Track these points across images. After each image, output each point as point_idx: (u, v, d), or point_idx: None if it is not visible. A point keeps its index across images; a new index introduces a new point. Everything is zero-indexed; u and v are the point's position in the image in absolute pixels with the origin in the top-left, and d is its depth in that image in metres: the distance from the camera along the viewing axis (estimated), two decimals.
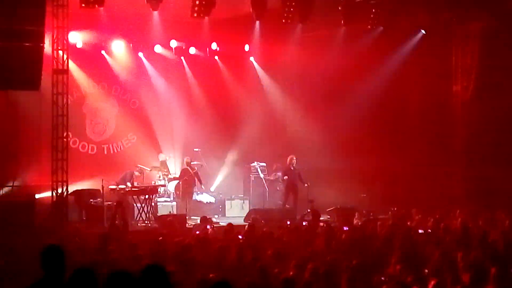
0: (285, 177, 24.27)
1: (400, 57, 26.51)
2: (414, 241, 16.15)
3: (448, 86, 27.14)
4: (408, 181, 25.99)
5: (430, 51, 26.37)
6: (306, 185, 23.93)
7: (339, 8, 24.55)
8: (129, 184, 22.99)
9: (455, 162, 26.27)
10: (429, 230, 18.04)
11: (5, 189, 22.23)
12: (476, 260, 13.86)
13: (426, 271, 12.86)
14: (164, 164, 25.34)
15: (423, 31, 26.72)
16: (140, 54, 25.97)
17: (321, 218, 22.08)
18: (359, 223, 19.72)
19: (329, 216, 23.16)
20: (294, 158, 24.30)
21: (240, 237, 17.01)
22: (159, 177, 24.98)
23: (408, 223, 19.63)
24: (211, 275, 11.61)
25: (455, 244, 15.61)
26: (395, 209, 22.18)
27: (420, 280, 11.92)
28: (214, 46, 26.27)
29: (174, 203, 24.18)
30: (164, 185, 24.74)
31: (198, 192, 25.25)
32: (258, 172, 25.81)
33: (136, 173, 23.67)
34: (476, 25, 26.28)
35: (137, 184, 23.59)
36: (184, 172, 24.52)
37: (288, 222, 20.20)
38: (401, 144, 26.69)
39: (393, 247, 15.37)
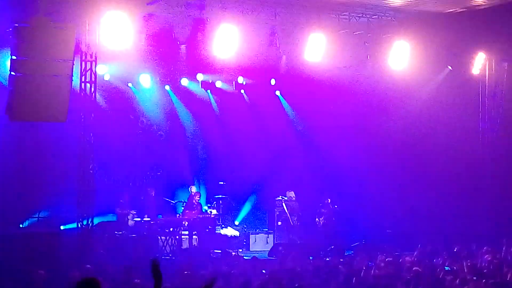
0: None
1: (426, 94, 26.41)
2: (441, 280, 15.98)
3: (475, 123, 27.09)
4: (435, 217, 25.79)
5: (456, 87, 26.31)
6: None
7: (365, 43, 24.71)
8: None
9: (482, 197, 26.07)
10: (455, 268, 17.86)
11: (31, 220, 22.31)
12: None
13: None
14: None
15: (449, 67, 26.64)
16: (167, 87, 26.15)
17: (345, 254, 22.06)
18: (384, 260, 19.51)
19: (353, 252, 23.02)
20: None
21: (264, 271, 16.95)
22: (182, 210, 24.95)
23: (435, 260, 19.46)
24: None
25: (483, 284, 15.41)
26: (420, 246, 21.92)
27: None
28: (240, 79, 26.36)
29: (198, 236, 24.11)
30: (187, 218, 24.68)
31: (223, 226, 25.19)
32: (283, 206, 25.74)
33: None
34: (503, 64, 26.39)
35: (161, 217, 23.71)
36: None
37: (311, 258, 20.08)
38: (427, 180, 26.51)
39: (419, 284, 15.24)
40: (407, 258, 19.32)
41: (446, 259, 19.72)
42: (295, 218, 25.48)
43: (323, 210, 25.50)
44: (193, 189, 25.14)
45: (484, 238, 22.90)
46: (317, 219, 25.54)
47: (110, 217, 23.75)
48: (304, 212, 26.07)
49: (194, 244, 23.57)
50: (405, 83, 25.87)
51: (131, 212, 23.85)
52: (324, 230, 25.30)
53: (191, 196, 24.68)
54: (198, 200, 24.48)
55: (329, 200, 25.55)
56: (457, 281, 15.72)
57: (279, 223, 25.61)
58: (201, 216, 24.13)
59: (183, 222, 24.11)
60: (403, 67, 25.21)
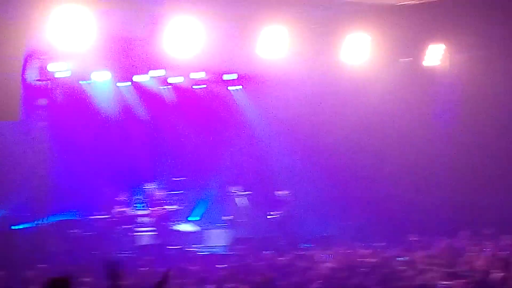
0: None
1: (384, 86, 26.49)
2: (397, 271, 16.12)
3: (433, 115, 27.31)
4: (391, 209, 25.99)
5: (414, 79, 26.48)
6: None
7: (322, 36, 24.73)
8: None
9: (437, 189, 26.30)
10: (411, 258, 18.01)
11: None
12: None
13: None
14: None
15: (407, 59, 26.77)
16: (121, 84, 25.95)
17: (300, 247, 22.07)
18: (341, 252, 19.64)
19: (311, 244, 23.09)
20: None
21: (221, 266, 16.96)
22: (139, 206, 24.85)
23: (391, 252, 19.65)
24: None
25: (440, 273, 15.59)
26: (376, 238, 22.08)
27: None
28: (193, 75, 26.24)
29: (155, 232, 24.04)
30: (144, 215, 24.59)
31: (180, 221, 25.12)
32: (236, 201, 25.80)
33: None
34: (461, 56, 26.66)
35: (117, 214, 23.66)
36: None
37: (267, 252, 20.05)
38: (383, 172, 26.69)
39: (374, 276, 15.36)
40: (363, 250, 19.46)
41: (402, 250, 19.91)
42: (244, 213, 25.61)
43: (277, 203, 25.50)
44: (151, 185, 25.12)
45: (440, 229, 23.14)
46: (271, 212, 25.52)
47: (71, 216, 23.63)
48: (256, 206, 26.15)
49: (152, 241, 23.48)
50: (362, 76, 25.86)
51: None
52: (278, 223, 25.31)
53: (151, 193, 24.64)
54: (161, 196, 24.38)
55: (283, 192, 25.54)
56: (413, 271, 15.88)
57: (231, 217, 25.62)
58: (164, 211, 24.10)
59: (149, 219, 24.09)
60: (360, 60, 25.34)
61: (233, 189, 25.76)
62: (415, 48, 26.30)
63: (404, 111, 26.37)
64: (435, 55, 26.65)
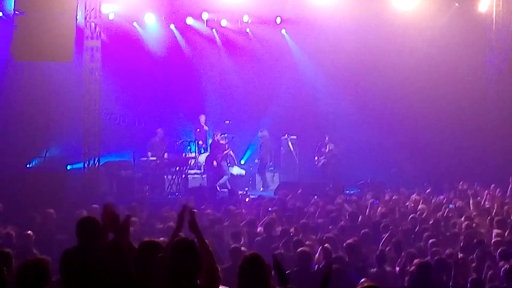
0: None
1: (433, 31, 26.16)
2: (446, 217, 16.10)
3: (482, 60, 26.92)
4: (440, 156, 25.85)
5: (463, 24, 26.08)
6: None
7: None
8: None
9: (487, 136, 26.03)
10: (460, 205, 17.94)
11: (37, 160, 22.40)
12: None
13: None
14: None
15: (456, 4, 26.41)
16: (172, 26, 25.99)
17: (346, 192, 22.09)
18: (391, 197, 19.63)
19: (359, 190, 23.10)
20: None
21: (270, 209, 17.05)
22: (190, 149, 25.01)
23: (440, 198, 19.61)
24: (242, 248, 11.69)
25: (488, 221, 15.53)
26: (425, 184, 21.98)
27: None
28: (245, 18, 26.15)
29: (205, 175, 24.25)
30: (194, 157, 24.76)
31: (229, 165, 25.27)
32: (288, 145, 25.84)
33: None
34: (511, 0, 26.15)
35: (167, 156, 23.84)
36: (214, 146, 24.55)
37: (316, 197, 20.12)
38: (433, 118, 26.47)
39: (424, 221, 15.35)
40: (413, 196, 19.43)
41: (451, 197, 19.85)
42: (291, 158, 25.71)
43: (323, 149, 25.49)
44: (202, 118, 25.27)
45: (489, 176, 22.96)
46: (316, 157, 25.54)
47: (124, 157, 23.93)
48: (303, 152, 26.21)
49: (201, 184, 23.68)
50: (412, 21, 25.65)
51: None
52: (323, 169, 25.36)
53: (206, 136, 24.83)
54: (220, 139, 24.43)
55: (327, 138, 25.49)
56: (462, 218, 15.86)
57: (256, 160, 25.67)
58: (223, 155, 24.21)
59: (213, 162, 24.22)
60: (411, 5, 25.04)
61: (259, 133, 25.74)
62: None
63: (455, 56, 25.96)
64: (487, 1, 26.23)
